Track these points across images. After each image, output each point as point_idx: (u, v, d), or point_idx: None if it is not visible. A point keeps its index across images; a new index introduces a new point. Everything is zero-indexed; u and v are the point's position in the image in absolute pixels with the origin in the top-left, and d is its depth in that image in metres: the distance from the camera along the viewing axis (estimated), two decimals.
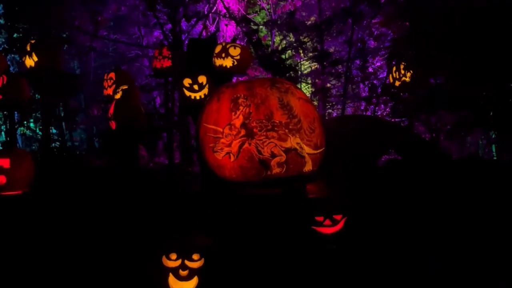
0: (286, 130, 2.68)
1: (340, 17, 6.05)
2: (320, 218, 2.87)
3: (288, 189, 2.85)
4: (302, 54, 6.78)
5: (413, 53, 4.85)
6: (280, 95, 2.75)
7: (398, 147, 4.39)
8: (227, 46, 4.49)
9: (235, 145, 2.68)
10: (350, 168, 3.52)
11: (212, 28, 7.75)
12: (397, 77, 4.86)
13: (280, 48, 6.88)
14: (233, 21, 7.27)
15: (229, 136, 2.69)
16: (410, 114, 5.40)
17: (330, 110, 6.98)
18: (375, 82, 6.48)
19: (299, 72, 7.38)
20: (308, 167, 2.78)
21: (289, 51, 6.82)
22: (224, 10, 7.23)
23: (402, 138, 4.37)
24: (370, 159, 3.94)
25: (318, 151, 2.82)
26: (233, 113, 2.70)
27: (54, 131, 6.63)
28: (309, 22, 6.78)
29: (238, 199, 2.95)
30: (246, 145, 2.66)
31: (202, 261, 2.50)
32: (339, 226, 2.89)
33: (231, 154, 2.70)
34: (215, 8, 7.39)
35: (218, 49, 4.56)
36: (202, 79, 4.22)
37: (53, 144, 5.97)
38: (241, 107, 2.70)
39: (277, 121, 2.68)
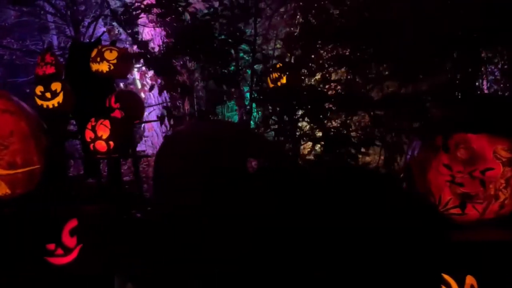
0: None
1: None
2: (52, 246, 2.39)
3: None
4: None
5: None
6: None
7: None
8: (103, 50, 4.20)
9: None
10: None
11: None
12: (274, 78, 4.32)
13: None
14: (150, 24, 6.98)
15: None
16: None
17: None
18: None
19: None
20: (3, 190, 2.51)
21: None
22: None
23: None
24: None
25: (19, 170, 2.57)
26: None
27: None
28: None
29: None
30: None
31: None
32: (74, 255, 2.39)
33: None
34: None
35: (94, 53, 4.28)
36: (56, 86, 3.90)
37: None
38: None
39: None
